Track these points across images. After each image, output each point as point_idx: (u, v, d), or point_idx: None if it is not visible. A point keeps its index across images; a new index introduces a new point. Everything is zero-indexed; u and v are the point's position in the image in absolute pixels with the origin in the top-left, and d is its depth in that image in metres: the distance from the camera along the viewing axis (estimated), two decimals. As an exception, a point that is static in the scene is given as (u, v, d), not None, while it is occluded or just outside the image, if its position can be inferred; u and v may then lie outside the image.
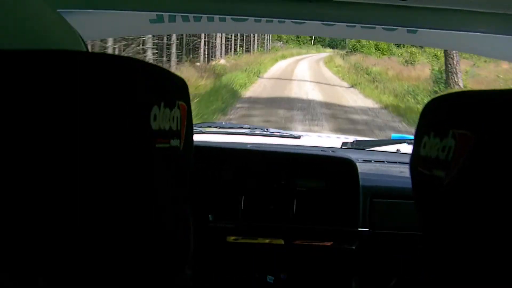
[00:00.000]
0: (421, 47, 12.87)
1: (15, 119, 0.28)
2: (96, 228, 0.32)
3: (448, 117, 0.37)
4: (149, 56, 9.54)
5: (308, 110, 8.26)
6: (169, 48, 11.80)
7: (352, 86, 12.67)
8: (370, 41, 19.67)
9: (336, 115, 7.93)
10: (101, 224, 0.32)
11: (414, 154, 0.43)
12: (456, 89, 8.74)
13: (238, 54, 20.28)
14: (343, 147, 1.62)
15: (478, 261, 0.32)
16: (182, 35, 12.27)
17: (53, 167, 0.29)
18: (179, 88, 0.42)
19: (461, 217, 0.33)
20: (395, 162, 1.50)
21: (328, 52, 32.19)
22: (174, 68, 10.79)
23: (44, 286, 0.31)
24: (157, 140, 0.36)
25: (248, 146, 1.43)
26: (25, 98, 0.28)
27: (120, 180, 0.33)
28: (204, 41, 14.89)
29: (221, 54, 17.34)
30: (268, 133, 1.66)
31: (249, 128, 1.68)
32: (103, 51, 7.42)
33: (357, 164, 1.26)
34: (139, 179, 0.35)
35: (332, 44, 37.66)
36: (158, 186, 0.38)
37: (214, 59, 15.89)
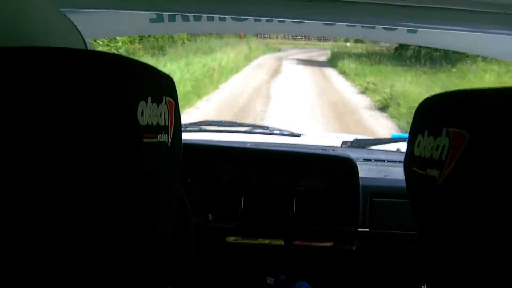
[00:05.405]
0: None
1: (10, 115, 0.29)
2: (84, 223, 0.32)
3: (442, 116, 0.37)
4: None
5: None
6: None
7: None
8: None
9: None
10: (90, 219, 0.32)
11: (409, 154, 0.43)
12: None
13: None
14: (343, 146, 1.62)
15: (473, 259, 0.32)
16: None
17: (44, 162, 0.30)
18: (166, 84, 0.43)
19: (455, 216, 0.33)
20: (395, 161, 1.50)
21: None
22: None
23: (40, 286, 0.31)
24: (145, 134, 0.36)
25: (248, 144, 1.42)
26: (19, 95, 0.29)
27: (108, 175, 0.33)
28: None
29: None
30: (268, 131, 1.66)
31: (249, 127, 1.68)
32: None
33: (357, 163, 1.26)
34: (128, 174, 0.35)
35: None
36: (146, 180, 0.38)
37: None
